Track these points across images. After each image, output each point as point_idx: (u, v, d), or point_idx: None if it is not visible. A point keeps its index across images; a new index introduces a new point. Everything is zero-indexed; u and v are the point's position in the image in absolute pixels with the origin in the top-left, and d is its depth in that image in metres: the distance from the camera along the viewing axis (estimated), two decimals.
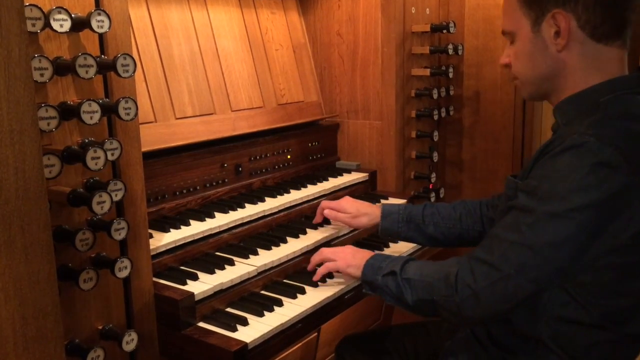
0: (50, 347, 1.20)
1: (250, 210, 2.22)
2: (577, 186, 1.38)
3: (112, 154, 1.49)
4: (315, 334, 2.43)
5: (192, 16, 2.38)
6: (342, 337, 2.26)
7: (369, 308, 2.84)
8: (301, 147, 2.76)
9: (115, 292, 1.62)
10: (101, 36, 1.53)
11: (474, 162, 3.27)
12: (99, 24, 1.44)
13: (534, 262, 1.44)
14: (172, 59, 2.26)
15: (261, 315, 1.76)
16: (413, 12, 2.83)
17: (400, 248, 2.31)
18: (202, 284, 1.80)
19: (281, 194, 2.41)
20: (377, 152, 2.87)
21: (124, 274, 1.55)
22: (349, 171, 2.83)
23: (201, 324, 1.73)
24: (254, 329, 1.70)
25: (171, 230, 1.97)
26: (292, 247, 2.10)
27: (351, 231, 2.34)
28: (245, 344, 1.62)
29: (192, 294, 1.72)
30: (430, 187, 3.02)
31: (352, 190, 2.69)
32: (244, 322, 1.72)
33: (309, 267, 2.03)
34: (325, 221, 2.32)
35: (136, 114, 1.53)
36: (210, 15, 2.46)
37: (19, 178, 1.11)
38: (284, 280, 2.01)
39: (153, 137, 2.08)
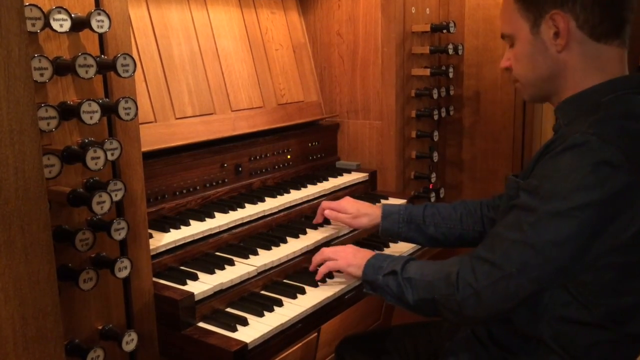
0: (50, 347, 1.20)
1: (250, 210, 2.22)
2: (579, 185, 1.38)
3: (112, 154, 1.49)
4: (315, 334, 2.43)
5: (192, 16, 2.38)
6: (342, 337, 2.26)
7: (369, 308, 2.84)
8: (301, 147, 2.76)
9: (115, 292, 1.62)
10: (101, 36, 1.53)
11: (474, 162, 3.27)
12: (99, 23, 1.44)
13: (536, 261, 1.44)
14: (172, 59, 2.26)
15: (261, 315, 1.76)
16: (413, 12, 2.83)
17: (401, 248, 2.31)
18: (202, 284, 1.80)
19: (281, 194, 2.41)
20: (377, 152, 2.87)
21: (123, 274, 1.55)
22: (349, 171, 2.83)
23: (201, 324, 1.73)
24: (254, 329, 1.70)
25: (171, 230, 1.97)
26: (292, 247, 2.10)
27: (351, 231, 2.34)
28: (245, 344, 1.62)
29: (192, 294, 1.72)
30: (431, 187, 3.02)
31: (352, 191, 2.69)
32: (244, 322, 1.72)
33: (311, 268, 2.03)
34: (326, 221, 2.32)
35: (136, 114, 1.53)
36: (210, 15, 2.46)
37: (19, 178, 1.11)
38: (284, 281, 2.01)
39: (153, 137, 2.08)
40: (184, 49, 2.32)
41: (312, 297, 1.89)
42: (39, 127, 1.15)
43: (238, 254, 2.00)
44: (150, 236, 1.79)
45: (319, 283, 1.96)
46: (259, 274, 1.94)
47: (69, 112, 1.42)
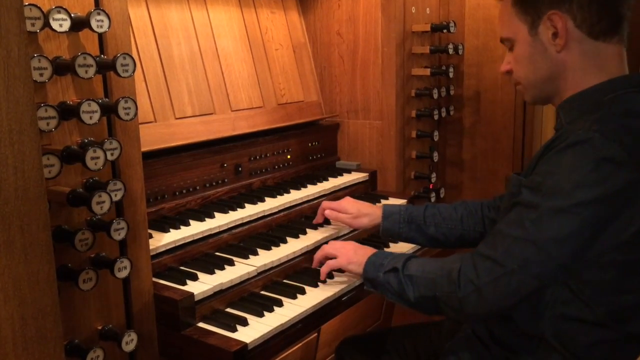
0: (50, 348, 1.20)
1: (250, 211, 2.22)
2: (582, 182, 1.38)
3: (112, 154, 1.48)
4: (315, 334, 2.43)
5: (192, 16, 2.38)
6: (342, 337, 2.26)
7: (369, 308, 2.83)
8: (301, 147, 2.76)
9: (114, 293, 1.62)
10: (101, 36, 1.52)
11: (475, 162, 3.26)
12: (99, 23, 1.44)
13: (538, 257, 1.44)
14: (172, 58, 2.26)
15: (261, 315, 1.76)
16: (413, 11, 2.83)
17: (401, 248, 2.30)
18: (202, 284, 1.80)
19: (281, 194, 2.41)
20: (377, 152, 2.87)
21: (123, 274, 1.55)
22: (349, 171, 2.83)
23: (201, 325, 1.73)
24: (253, 329, 1.69)
25: (171, 230, 1.97)
26: (292, 247, 2.10)
27: (351, 231, 2.34)
28: (245, 345, 1.62)
29: (191, 294, 1.72)
30: (431, 187, 3.02)
31: (352, 191, 2.69)
32: (244, 323, 1.72)
33: (314, 265, 2.03)
34: (326, 221, 2.31)
35: (136, 114, 1.53)
36: (210, 15, 2.46)
37: (19, 178, 1.11)
38: (284, 281, 2.01)
39: (153, 137, 2.08)
40: (184, 48, 2.31)
41: (312, 297, 1.89)
42: (38, 127, 1.15)
43: (238, 254, 2.00)
44: (150, 236, 1.79)
45: (318, 283, 1.96)
46: (259, 274, 1.94)
47: (68, 112, 1.41)
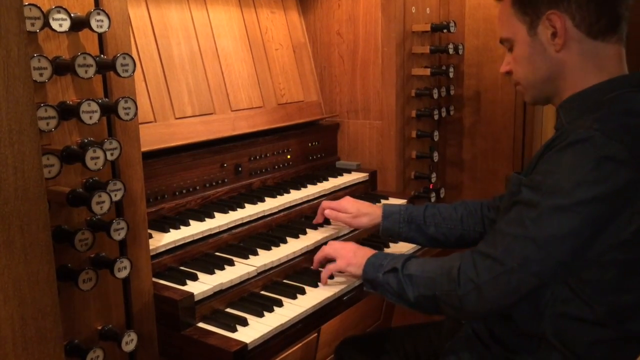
0: (50, 348, 1.20)
1: (250, 211, 2.21)
2: (583, 180, 1.38)
3: (112, 154, 1.48)
4: (315, 334, 2.43)
5: (192, 16, 2.38)
6: (342, 337, 2.25)
7: (369, 308, 2.83)
8: (301, 147, 2.76)
9: (114, 293, 1.62)
10: (100, 36, 1.52)
11: (475, 162, 3.26)
12: (99, 23, 1.44)
13: (538, 256, 1.44)
14: (172, 58, 2.26)
15: (261, 315, 1.76)
16: (413, 11, 2.83)
17: (401, 248, 2.30)
18: (202, 284, 1.80)
19: (281, 194, 2.41)
20: (377, 152, 2.87)
21: (123, 274, 1.55)
22: (349, 171, 2.83)
23: (201, 325, 1.73)
24: (253, 330, 1.69)
25: (171, 230, 1.97)
26: (292, 247, 2.10)
27: (351, 231, 2.34)
28: (245, 345, 1.62)
29: (191, 295, 1.72)
30: (431, 187, 3.02)
31: (352, 191, 2.69)
32: (244, 323, 1.72)
33: (314, 266, 2.03)
34: (326, 221, 2.31)
35: (136, 114, 1.52)
36: (209, 15, 2.45)
37: (18, 178, 1.11)
38: (284, 281, 2.01)
39: (152, 137, 2.08)
40: (184, 48, 2.31)
41: (312, 297, 1.89)
42: (38, 127, 1.15)
43: (238, 254, 2.00)
44: (150, 236, 1.79)
45: (318, 283, 1.96)
46: (259, 274, 1.94)
47: (68, 112, 1.41)
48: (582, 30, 1.52)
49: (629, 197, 1.39)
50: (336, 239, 2.27)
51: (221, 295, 1.82)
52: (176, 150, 2.16)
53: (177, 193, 2.16)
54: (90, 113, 1.42)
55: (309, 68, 2.94)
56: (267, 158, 2.56)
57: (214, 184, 2.31)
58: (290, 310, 1.81)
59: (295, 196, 2.41)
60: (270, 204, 2.30)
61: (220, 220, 2.10)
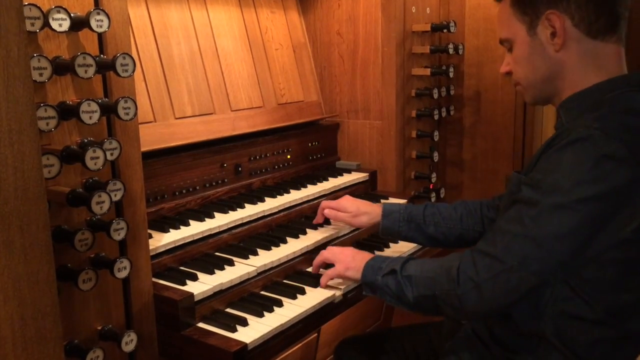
0: (49, 348, 1.20)
1: (250, 211, 2.21)
2: (583, 178, 1.39)
3: (112, 154, 1.48)
4: (315, 334, 2.43)
5: (192, 15, 2.38)
6: (342, 337, 2.25)
7: (369, 309, 2.83)
8: (301, 147, 2.75)
9: (114, 293, 1.62)
10: (100, 36, 1.52)
11: (475, 162, 3.26)
12: (98, 23, 1.44)
13: (537, 254, 1.44)
14: (172, 58, 2.25)
15: (261, 315, 1.76)
16: (413, 11, 2.83)
17: (401, 248, 2.30)
18: (202, 285, 1.79)
19: (281, 194, 2.41)
20: (377, 152, 2.87)
21: (123, 274, 1.54)
22: (349, 171, 2.83)
23: (201, 325, 1.72)
24: (253, 330, 1.69)
25: (170, 230, 1.97)
26: (292, 247, 2.10)
27: (351, 231, 2.34)
28: (245, 345, 1.62)
29: (191, 295, 1.72)
30: (431, 187, 3.02)
31: (352, 191, 2.69)
32: (244, 323, 1.71)
33: (312, 271, 2.03)
34: (326, 221, 2.31)
35: (135, 114, 1.52)
36: (209, 15, 2.45)
37: (18, 178, 1.11)
38: (284, 281, 2.01)
39: (152, 137, 2.08)
40: (184, 48, 2.31)
41: (312, 297, 1.89)
42: (38, 127, 1.14)
43: (238, 254, 2.00)
44: (150, 236, 1.79)
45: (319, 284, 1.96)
46: (259, 274, 1.94)
47: (68, 112, 1.41)
48: (581, 29, 1.52)
49: (629, 196, 1.39)
50: (336, 239, 2.27)
51: (221, 295, 1.82)
52: (176, 150, 2.16)
53: (177, 193, 2.16)
54: (90, 113, 1.42)
55: (309, 68, 2.94)
56: (267, 158, 2.56)
57: (214, 184, 2.31)
58: (290, 310, 1.81)
59: (295, 196, 2.41)
60: (270, 204, 2.29)
61: (220, 220, 2.10)
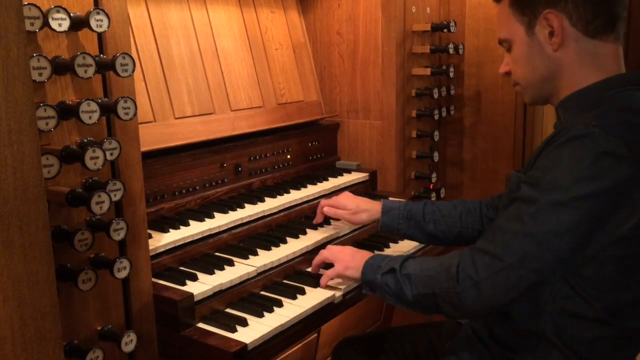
0: (49, 348, 1.20)
1: (249, 211, 2.21)
2: (581, 176, 1.39)
3: (111, 154, 1.48)
4: (315, 334, 2.43)
5: (192, 15, 2.37)
6: (342, 338, 2.25)
7: (369, 309, 2.83)
8: (301, 147, 2.75)
9: (114, 293, 1.62)
10: (100, 35, 1.52)
11: (475, 162, 3.26)
12: (98, 23, 1.44)
13: (536, 251, 1.45)
14: (172, 58, 2.25)
15: (261, 316, 1.76)
16: (413, 11, 2.82)
17: (402, 248, 2.30)
18: (202, 285, 1.79)
19: (281, 194, 2.41)
20: (377, 152, 2.86)
21: (123, 274, 1.54)
22: (349, 171, 2.83)
23: (200, 325, 1.72)
24: (253, 330, 1.69)
25: (170, 230, 1.97)
26: (292, 247, 2.10)
27: (351, 231, 2.33)
28: (245, 345, 1.62)
29: (191, 295, 1.71)
30: (431, 187, 3.02)
31: (352, 191, 2.67)
32: (244, 323, 1.71)
33: (312, 270, 2.03)
34: (326, 221, 2.31)
35: (135, 114, 1.52)
36: (209, 15, 2.45)
37: (18, 178, 1.10)
38: (284, 281, 2.01)
39: (152, 137, 2.08)
40: (184, 48, 2.31)
41: (312, 297, 1.89)
42: (37, 127, 1.14)
43: (238, 255, 2.00)
44: (150, 236, 1.79)
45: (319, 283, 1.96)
46: (259, 274, 1.94)
47: (67, 112, 1.41)
48: (579, 29, 1.53)
49: (628, 193, 1.39)
50: (336, 239, 2.27)
51: (221, 295, 1.82)
52: (176, 150, 2.16)
53: (176, 193, 2.16)
54: (90, 113, 1.42)
55: (309, 68, 2.94)
56: (267, 158, 2.56)
57: (213, 184, 2.31)
58: (290, 310, 1.81)
59: (295, 196, 2.41)
60: (270, 204, 2.29)
61: (220, 221, 2.09)
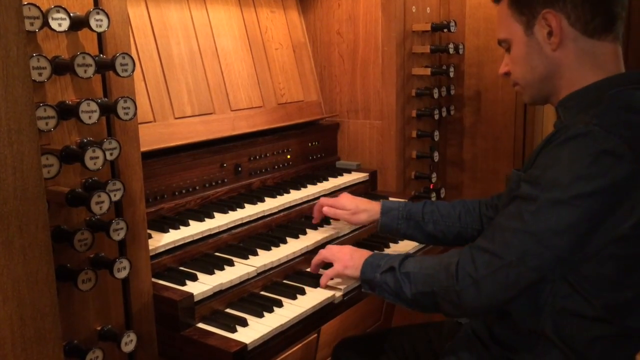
0: (49, 348, 1.20)
1: (249, 211, 2.21)
2: (581, 174, 1.39)
3: (111, 154, 1.48)
4: (315, 335, 2.42)
5: (192, 15, 2.37)
6: (342, 338, 2.25)
7: (369, 309, 2.83)
8: (301, 147, 2.75)
9: (114, 293, 1.62)
10: (100, 35, 1.52)
11: (475, 162, 3.26)
12: (98, 23, 1.43)
13: (536, 249, 1.45)
14: (171, 58, 2.25)
15: (261, 316, 1.76)
16: (414, 11, 2.82)
17: (401, 248, 2.30)
18: (202, 285, 1.79)
19: (281, 194, 2.41)
20: (377, 151, 2.86)
21: (122, 274, 1.54)
22: (349, 171, 2.83)
23: (200, 325, 1.72)
24: (253, 330, 1.69)
25: (170, 230, 1.97)
26: (292, 247, 2.09)
27: (351, 231, 2.33)
28: (245, 345, 1.61)
29: (191, 295, 1.71)
30: (431, 187, 3.02)
31: (353, 191, 2.68)
32: (244, 323, 1.71)
33: (311, 270, 2.03)
34: (325, 221, 2.31)
35: (135, 114, 1.52)
36: (209, 15, 2.45)
37: (17, 178, 1.10)
38: (284, 281, 2.01)
39: (152, 137, 2.08)
40: (183, 48, 2.31)
41: (312, 297, 1.88)
42: (37, 127, 1.14)
43: (237, 255, 2.00)
44: (150, 236, 1.79)
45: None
46: (259, 274, 1.94)
47: (67, 112, 1.41)
48: (577, 29, 1.53)
49: (627, 192, 1.40)
50: (336, 239, 2.26)
51: (221, 295, 1.81)
52: (176, 150, 2.16)
53: (176, 193, 2.16)
54: (90, 113, 1.42)
55: (309, 68, 2.94)
56: (267, 158, 2.55)
57: (213, 184, 2.30)
58: (290, 310, 1.80)
59: (295, 196, 2.41)
60: (270, 204, 2.29)
61: (220, 221, 2.09)
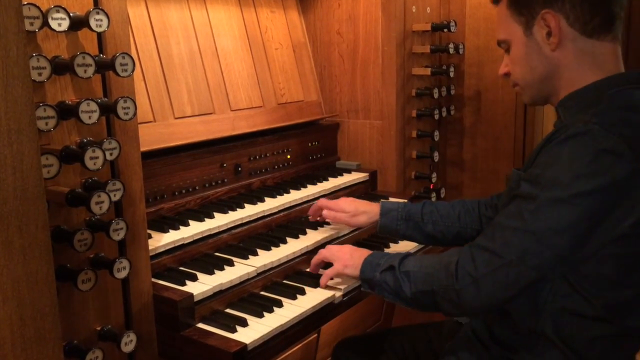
0: (49, 348, 1.20)
1: (249, 211, 2.21)
2: (581, 173, 1.39)
3: (111, 154, 1.48)
4: (315, 335, 2.42)
5: (191, 15, 2.37)
6: (342, 338, 2.25)
7: (370, 309, 2.83)
8: (301, 147, 2.75)
9: (113, 293, 1.62)
10: (100, 35, 1.52)
11: (475, 162, 3.26)
12: (98, 23, 1.43)
13: (536, 248, 1.45)
14: (171, 58, 2.25)
15: (261, 316, 1.76)
16: (414, 11, 2.82)
17: (401, 248, 2.30)
18: (201, 285, 1.79)
19: (281, 194, 2.40)
20: (377, 151, 2.86)
21: (122, 274, 1.54)
22: (349, 171, 2.83)
23: (200, 325, 1.72)
24: (253, 330, 1.69)
25: (170, 230, 1.97)
26: (292, 247, 2.09)
27: (351, 232, 2.33)
28: (245, 345, 1.61)
29: (191, 295, 1.71)
30: (431, 187, 3.02)
31: (353, 191, 2.69)
32: (244, 323, 1.71)
33: (311, 270, 2.03)
34: (325, 221, 2.31)
35: (135, 114, 1.52)
36: (209, 14, 2.45)
37: (17, 178, 1.10)
38: (284, 281, 2.00)
39: (152, 137, 2.08)
40: (183, 48, 2.31)
41: (312, 298, 1.88)
42: (37, 127, 1.14)
43: (237, 255, 2.00)
44: (149, 236, 1.78)
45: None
46: (259, 274, 1.94)
47: (67, 112, 1.41)
48: (576, 29, 1.54)
49: (627, 191, 1.40)
50: (336, 239, 2.26)
51: (221, 295, 1.81)
52: (175, 150, 2.16)
53: (176, 193, 2.16)
54: (90, 113, 1.42)
55: (309, 67, 2.94)
56: (267, 158, 2.55)
57: (213, 184, 2.30)
58: (290, 310, 1.80)
59: (295, 196, 2.41)
60: (270, 204, 2.29)
61: (220, 221, 2.09)
